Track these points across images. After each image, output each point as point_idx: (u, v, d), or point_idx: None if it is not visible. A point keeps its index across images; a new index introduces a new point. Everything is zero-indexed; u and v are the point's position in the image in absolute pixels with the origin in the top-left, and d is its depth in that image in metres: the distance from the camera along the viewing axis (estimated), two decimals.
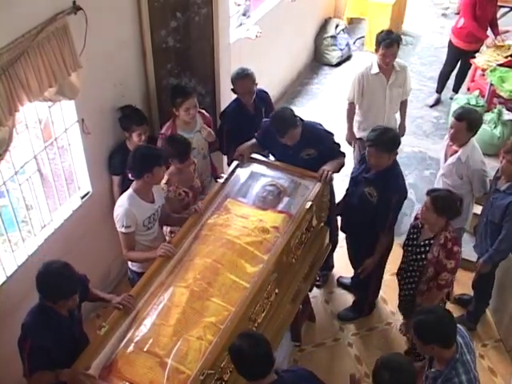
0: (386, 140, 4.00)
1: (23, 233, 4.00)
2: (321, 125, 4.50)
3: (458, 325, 3.17)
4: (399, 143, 4.13)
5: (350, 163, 5.61)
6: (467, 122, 4.34)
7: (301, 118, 4.32)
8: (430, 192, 3.90)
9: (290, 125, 4.15)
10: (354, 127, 5.56)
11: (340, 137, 5.66)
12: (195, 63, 4.82)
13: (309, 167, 4.28)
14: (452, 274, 3.91)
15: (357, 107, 5.42)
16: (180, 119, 4.53)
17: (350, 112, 5.49)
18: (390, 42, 5.01)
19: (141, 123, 4.39)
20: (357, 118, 5.51)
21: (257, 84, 4.72)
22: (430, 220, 3.87)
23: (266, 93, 5.03)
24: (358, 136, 5.54)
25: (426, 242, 3.94)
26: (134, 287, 3.58)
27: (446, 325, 3.03)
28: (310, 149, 4.33)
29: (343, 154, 4.46)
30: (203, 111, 4.81)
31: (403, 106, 5.51)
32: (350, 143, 5.64)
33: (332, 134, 4.49)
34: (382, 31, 5.19)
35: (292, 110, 4.26)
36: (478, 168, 4.47)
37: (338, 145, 4.50)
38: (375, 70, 5.20)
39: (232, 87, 4.73)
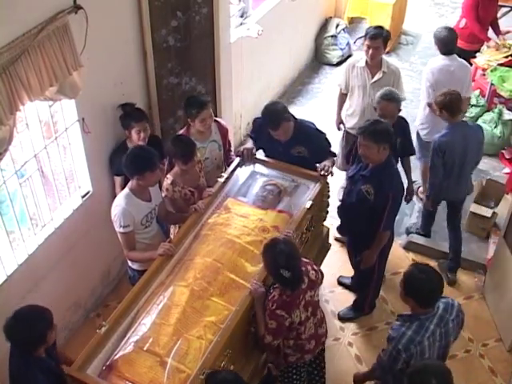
0: (373, 130, 3.99)
1: (23, 232, 4.00)
2: (313, 124, 4.54)
3: (456, 301, 3.40)
4: (390, 138, 4.10)
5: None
6: None
7: (293, 116, 4.37)
8: None
9: (283, 117, 4.20)
10: (342, 115, 5.60)
11: (338, 135, 5.74)
12: (196, 62, 4.82)
13: (299, 165, 4.33)
14: (273, 336, 3.45)
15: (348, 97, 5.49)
16: (195, 128, 4.44)
17: (339, 98, 5.56)
18: (374, 34, 5.03)
19: (140, 120, 4.31)
20: (346, 107, 5.55)
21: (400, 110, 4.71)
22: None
23: (406, 122, 4.90)
24: (347, 126, 5.57)
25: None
26: (135, 286, 3.58)
27: (431, 290, 3.22)
28: (301, 146, 4.36)
29: (333, 154, 4.51)
30: (220, 120, 4.72)
31: None
32: (338, 128, 5.70)
33: (324, 134, 4.52)
34: (371, 26, 5.31)
35: (284, 104, 4.33)
36: (425, 73, 5.46)
37: (329, 144, 4.53)
38: (362, 63, 5.22)
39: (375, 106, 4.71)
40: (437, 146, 4.67)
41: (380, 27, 5.16)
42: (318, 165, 4.33)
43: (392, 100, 4.55)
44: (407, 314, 3.34)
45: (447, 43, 5.35)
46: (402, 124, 4.78)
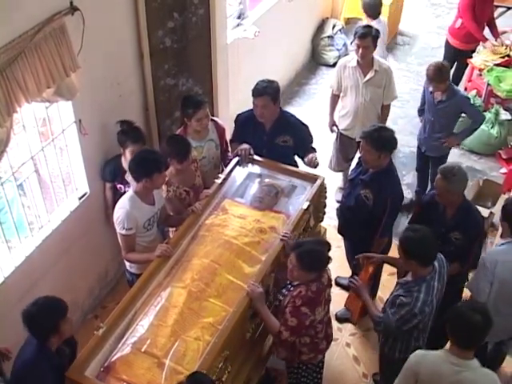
0: (376, 137, 3.98)
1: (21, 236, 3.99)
2: (297, 118, 4.66)
3: (440, 254, 3.53)
4: (393, 147, 4.10)
5: (328, 154, 5.77)
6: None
7: (280, 108, 4.52)
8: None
9: (268, 92, 4.31)
10: (335, 117, 5.63)
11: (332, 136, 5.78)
12: (193, 63, 4.82)
13: (283, 155, 4.44)
14: (291, 333, 3.44)
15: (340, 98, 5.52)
16: (191, 128, 4.44)
17: (331, 99, 5.60)
18: (362, 33, 5.05)
19: (136, 141, 4.21)
20: (338, 108, 5.58)
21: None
22: None
23: (478, 225, 4.00)
24: (340, 127, 5.60)
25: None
26: (132, 288, 3.58)
27: (429, 246, 3.39)
28: (286, 135, 4.47)
29: (314, 150, 4.59)
30: (217, 119, 4.74)
31: (384, 110, 5.44)
32: (331, 130, 5.73)
33: (307, 126, 4.64)
34: (360, 25, 5.35)
35: (279, 89, 4.45)
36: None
37: (312, 137, 4.64)
38: (354, 63, 5.23)
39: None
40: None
41: (369, 26, 5.21)
42: (305, 159, 4.47)
43: (448, 179, 3.64)
44: (412, 280, 3.46)
45: (379, 7, 5.99)
46: (470, 225, 3.86)
